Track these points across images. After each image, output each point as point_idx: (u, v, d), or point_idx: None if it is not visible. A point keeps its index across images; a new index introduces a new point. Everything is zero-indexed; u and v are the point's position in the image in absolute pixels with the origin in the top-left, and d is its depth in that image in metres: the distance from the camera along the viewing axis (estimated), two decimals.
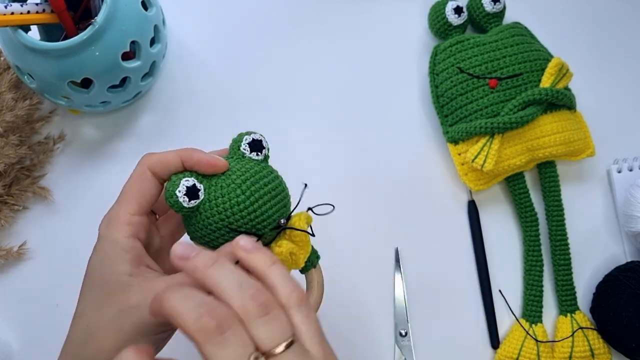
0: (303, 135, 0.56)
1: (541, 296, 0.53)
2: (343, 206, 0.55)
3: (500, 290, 0.54)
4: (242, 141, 0.38)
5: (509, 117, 0.51)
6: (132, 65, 0.50)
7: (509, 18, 0.57)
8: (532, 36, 0.56)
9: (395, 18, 0.60)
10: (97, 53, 0.47)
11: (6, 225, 0.53)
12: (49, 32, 0.54)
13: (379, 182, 0.56)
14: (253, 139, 0.38)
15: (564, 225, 0.54)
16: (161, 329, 0.34)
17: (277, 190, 0.37)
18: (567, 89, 0.54)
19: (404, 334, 0.52)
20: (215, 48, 0.59)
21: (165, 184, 0.37)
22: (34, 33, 0.53)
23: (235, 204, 0.36)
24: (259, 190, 0.36)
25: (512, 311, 0.53)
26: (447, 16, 0.55)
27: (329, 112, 0.57)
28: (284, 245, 0.37)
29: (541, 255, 0.54)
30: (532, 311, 0.52)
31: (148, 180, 0.36)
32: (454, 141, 0.54)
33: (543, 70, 0.53)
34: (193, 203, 0.35)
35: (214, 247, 0.37)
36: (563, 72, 0.53)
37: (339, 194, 0.55)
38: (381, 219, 0.55)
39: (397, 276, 0.53)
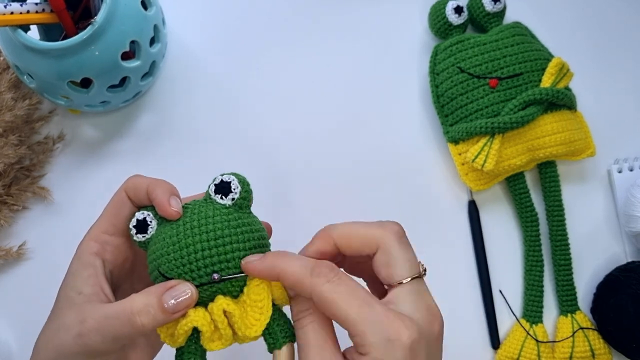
0: (303, 135, 0.56)
1: (541, 296, 0.53)
2: (343, 206, 0.55)
3: (500, 291, 0.54)
4: (213, 181, 0.35)
5: (509, 117, 0.51)
6: (132, 65, 0.50)
7: (509, 18, 0.57)
8: (533, 36, 0.56)
9: (395, 18, 0.59)
10: (97, 53, 0.47)
11: (6, 226, 0.53)
12: (49, 31, 0.54)
13: (379, 182, 0.55)
14: (222, 180, 0.34)
15: (564, 225, 0.54)
16: (79, 359, 0.32)
17: (221, 242, 0.33)
18: (567, 88, 0.54)
19: None
20: (215, 48, 0.59)
21: None
22: (34, 33, 0.53)
23: (165, 245, 0.33)
24: (194, 236, 0.32)
25: (512, 311, 0.53)
26: (447, 16, 0.55)
27: (329, 112, 0.57)
28: (218, 301, 0.32)
29: (541, 255, 0.54)
30: (532, 311, 0.52)
31: (123, 202, 0.36)
32: (454, 141, 0.54)
33: (543, 70, 0.53)
34: (140, 237, 0.34)
35: None
36: (563, 72, 0.53)
37: (338, 194, 0.55)
38: (381, 219, 0.55)
39: None
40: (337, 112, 0.57)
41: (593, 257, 0.55)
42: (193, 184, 0.38)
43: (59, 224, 0.55)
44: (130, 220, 0.35)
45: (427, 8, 0.58)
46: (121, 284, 0.37)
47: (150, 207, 0.35)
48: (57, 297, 0.35)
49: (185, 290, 0.32)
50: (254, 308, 0.33)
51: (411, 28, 0.59)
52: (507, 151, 0.52)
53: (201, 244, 0.32)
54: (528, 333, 0.51)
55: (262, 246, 0.35)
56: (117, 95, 0.52)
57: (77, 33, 0.46)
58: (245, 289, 0.33)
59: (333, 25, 0.59)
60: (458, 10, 0.55)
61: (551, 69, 0.52)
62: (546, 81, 0.52)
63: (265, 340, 0.34)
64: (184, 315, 0.32)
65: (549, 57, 0.54)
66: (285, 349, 0.33)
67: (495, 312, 0.53)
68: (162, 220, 0.35)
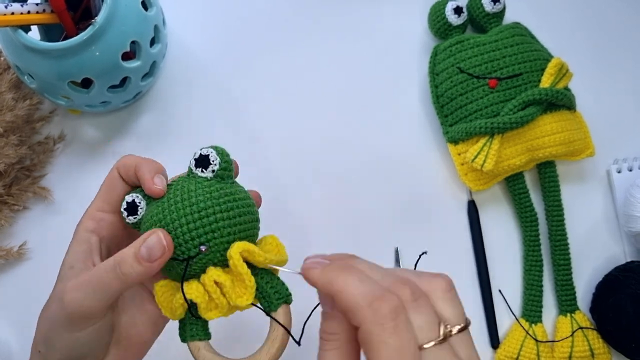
0: (303, 135, 0.56)
1: (541, 296, 0.53)
2: (343, 206, 0.55)
3: (500, 290, 0.54)
4: (193, 156, 0.36)
5: (508, 117, 0.51)
6: (132, 66, 0.50)
7: (508, 18, 0.57)
8: (532, 36, 0.56)
9: (395, 18, 0.60)
10: (97, 53, 0.47)
11: (6, 225, 0.53)
12: (49, 32, 0.54)
13: (379, 182, 0.56)
14: (200, 154, 0.35)
15: (563, 225, 0.54)
16: (67, 327, 0.33)
17: (204, 213, 0.33)
18: (566, 89, 0.54)
19: None
20: (215, 48, 0.59)
21: None
22: (34, 33, 0.53)
23: (153, 223, 0.34)
24: (178, 211, 0.33)
25: (512, 311, 0.53)
26: (447, 16, 0.55)
27: (329, 112, 0.57)
28: (209, 272, 0.33)
29: (541, 255, 0.54)
30: (532, 311, 0.52)
31: (115, 180, 0.37)
32: (454, 141, 0.54)
33: (543, 70, 0.53)
34: (132, 219, 0.36)
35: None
36: (563, 72, 0.53)
37: (338, 194, 0.55)
38: (381, 220, 0.55)
39: None
40: (337, 112, 0.57)
41: (592, 257, 0.55)
42: None
43: (59, 224, 0.55)
44: (122, 198, 0.36)
45: (427, 8, 0.58)
46: None
47: (139, 189, 0.36)
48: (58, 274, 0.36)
49: (156, 237, 0.33)
50: (240, 278, 0.33)
51: (411, 28, 0.59)
52: (507, 151, 0.52)
53: (185, 217, 0.33)
54: (527, 333, 0.52)
55: (247, 214, 0.35)
56: (118, 95, 0.52)
57: (77, 33, 0.46)
58: (229, 261, 0.33)
59: (333, 26, 0.59)
60: (458, 10, 0.55)
61: (550, 69, 0.52)
62: (545, 81, 0.52)
63: (261, 304, 0.34)
64: (178, 290, 0.33)
65: (548, 57, 0.54)
66: (280, 311, 0.33)
67: (494, 312, 0.53)
68: (150, 199, 0.35)
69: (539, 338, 0.51)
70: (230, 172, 0.36)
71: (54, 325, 0.34)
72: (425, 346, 0.26)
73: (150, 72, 0.53)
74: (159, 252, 0.33)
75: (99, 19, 0.46)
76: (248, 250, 0.33)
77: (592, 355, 0.51)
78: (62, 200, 0.55)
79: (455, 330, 0.27)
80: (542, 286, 0.53)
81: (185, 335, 0.34)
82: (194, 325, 0.34)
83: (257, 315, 0.34)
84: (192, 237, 0.33)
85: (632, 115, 0.58)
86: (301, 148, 0.56)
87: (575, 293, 0.53)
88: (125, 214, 0.36)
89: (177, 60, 0.58)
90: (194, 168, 0.35)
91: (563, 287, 0.53)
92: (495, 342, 0.52)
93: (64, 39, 0.47)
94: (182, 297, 0.33)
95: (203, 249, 0.33)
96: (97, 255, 0.36)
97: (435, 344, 0.26)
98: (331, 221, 0.55)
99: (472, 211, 0.55)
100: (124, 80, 0.51)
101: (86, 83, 0.50)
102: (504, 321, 0.53)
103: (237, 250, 0.32)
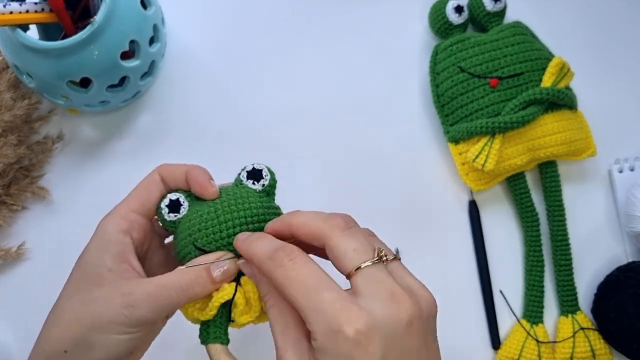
0: (303, 135, 0.56)
1: (542, 296, 0.53)
2: (343, 206, 0.55)
3: (501, 291, 0.54)
4: (244, 169, 0.38)
5: (509, 116, 0.50)
6: (131, 65, 0.50)
7: (510, 17, 0.57)
8: (533, 35, 0.56)
9: (395, 18, 0.59)
10: (96, 52, 0.47)
11: (5, 226, 0.53)
12: (48, 31, 0.54)
13: (380, 182, 0.55)
14: (253, 167, 0.38)
15: (565, 225, 0.54)
16: (120, 330, 0.33)
17: (256, 219, 0.36)
18: (568, 88, 0.54)
19: None
20: (214, 47, 0.59)
21: None
22: (33, 32, 0.52)
23: (203, 221, 0.35)
24: (232, 212, 0.35)
25: (513, 312, 0.53)
26: (447, 15, 0.55)
27: (329, 112, 0.57)
28: (228, 288, 0.34)
29: (542, 255, 0.53)
30: (533, 311, 0.52)
31: (155, 183, 0.37)
32: (455, 141, 0.54)
33: (544, 69, 0.53)
34: (173, 217, 0.36)
35: None
36: (564, 71, 0.53)
37: (338, 194, 0.55)
38: (381, 220, 0.55)
39: None
40: (336, 112, 0.57)
41: (594, 257, 0.54)
42: None
43: (58, 224, 0.55)
44: (156, 202, 0.37)
45: (427, 7, 0.58)
46: None
47: (182, 191, 0.37)
48: (78, 273, 0.35)
49: (229, 262, 0.34)
50: (252, 297, 0.34)
51: (411, 28, 0.59)
52: (508, 151, 0.52)
53: (239, 219, 0.35)
54: (529, 333, 0.51)
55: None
56: (117, 95, 0.52)
57: (76, 33, 0.46)
58: None
59: (333, 25, 0.59)
60: (458, 9, 0.55)
61: (552, 68, 0.52)
62: (547, 81, 0.52)
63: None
64: (217, 289, 0.34)
65: (549, 56, 0.54)
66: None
67: (495, 312, 0.53)
68: (193, 201, 0.37)
69: (540, 339, 0.51)
70: (274, 192, 0.38)
71: (100, 327, 0.33)
72: (362, 266, 0.30)
73: (149, 71, 0.53)
74: (229, 275, 0.34)
75: (98, 18, 0.46)
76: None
77: (594, 356, 0.51)
78: (61, 200, 0.55)
79: (390, 257, 0.32)
80: (543, 286, 0.53)
81: (208, 337, 0.35)
82: (218, 328, 0.35)
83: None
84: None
85: (634, 114, 0.58)
86: (300, 148, 0.56)
87: (576, 293, 0.53)
88: (166, 210, 0.36)
89: (176, 60, 0.58)
90: (244, 179, 0.37)
91: (564, 287, 0.53)
92: (496, 342, 0.52)
93: (63, 38, 0.47)
94: (224, 297, 0.34)
95: None
96: (133, 257, 0.36)
97: (372, 264, 0.30)
98: None
99: (473, 211, 0.55)
100: (123, 80, 0.51)
101: (85, 82, 0.49)
102: (505, 322, 0.53)
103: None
